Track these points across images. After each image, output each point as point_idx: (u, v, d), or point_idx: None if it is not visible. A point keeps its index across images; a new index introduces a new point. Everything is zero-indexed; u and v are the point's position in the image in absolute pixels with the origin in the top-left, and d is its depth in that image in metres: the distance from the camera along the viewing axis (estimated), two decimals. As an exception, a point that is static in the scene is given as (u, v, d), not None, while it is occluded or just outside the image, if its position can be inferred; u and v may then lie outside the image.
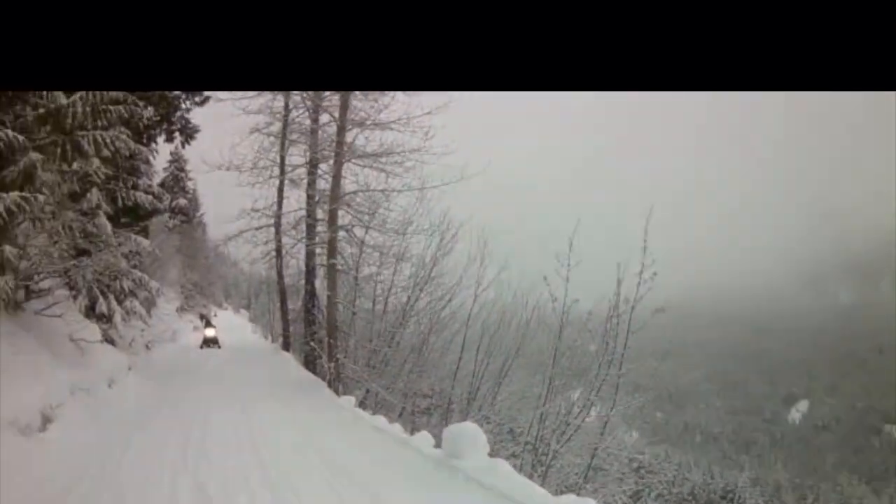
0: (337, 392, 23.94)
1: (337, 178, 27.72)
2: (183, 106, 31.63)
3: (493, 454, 12.11)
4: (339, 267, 27.71)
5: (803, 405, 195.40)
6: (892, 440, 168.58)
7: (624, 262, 17.98)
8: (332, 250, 27.42)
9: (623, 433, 27.50)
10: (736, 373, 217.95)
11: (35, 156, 14.84)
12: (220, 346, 42.38)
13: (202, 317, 66.97)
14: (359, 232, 28.39)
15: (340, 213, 27.94)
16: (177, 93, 30.57)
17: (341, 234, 28.10)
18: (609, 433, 20.66)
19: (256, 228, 32.80)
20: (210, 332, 43.76)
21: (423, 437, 14.23)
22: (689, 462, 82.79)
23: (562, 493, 11.60)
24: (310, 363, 30.19)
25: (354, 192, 28.33)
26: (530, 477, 17.11)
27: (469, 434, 11.84)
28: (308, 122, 30.72)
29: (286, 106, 31.93)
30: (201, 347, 41.81)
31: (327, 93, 28.86)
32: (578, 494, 12.19)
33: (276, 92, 30.26)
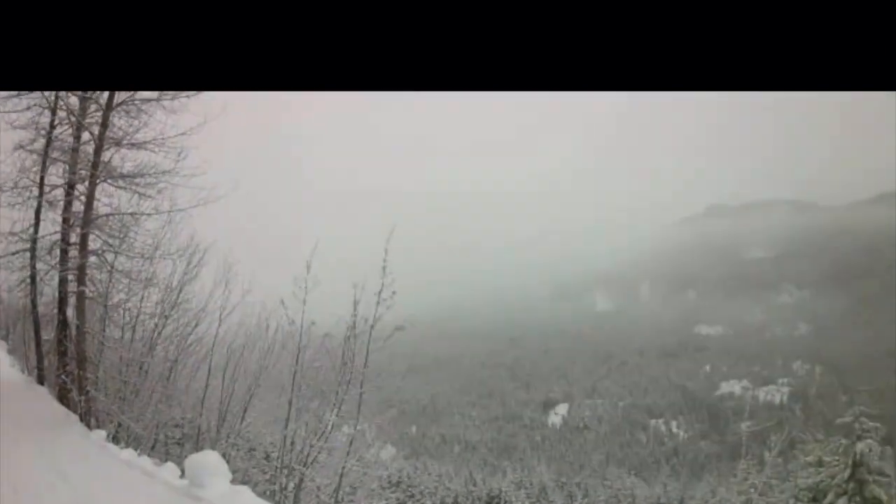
0: (89, 426, 23.46)
1: (90, 199, 26.92)
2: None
3: (247, 480, 12.36)
4: (90, 294, 27.04)
5: (562, 408, 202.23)
6: (659, 432, 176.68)
7: (362, 283, 18.25)
8: (83, 276, 26.71)
9: (379, 449, 27.83)
10: (491, 383, 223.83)
11: None
12: None
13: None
14: (110, 257, 27.80)
15: (92, 237, 27.29)
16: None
17: (92, 259, 27.42)
18: (364, 450, 20.97)
19: (13, 253, 31.56)
20: None
21: (169, 469, 14.34)
22: (450, 472, 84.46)
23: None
24: (63, 397, 29.31)
25: (107, 216, 27.69)
26: (281, 501, 17.38)
27: (210, 463, 12.07)
28: (71, 139, 29.77)
29: (52, 123, 30.82)
30: None
31: (93, 107, 28.01)
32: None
33: (43, 108, 29.08)
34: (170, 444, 25.81)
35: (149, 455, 18.37)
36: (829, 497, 27.20)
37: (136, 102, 25.94)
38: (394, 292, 17.46)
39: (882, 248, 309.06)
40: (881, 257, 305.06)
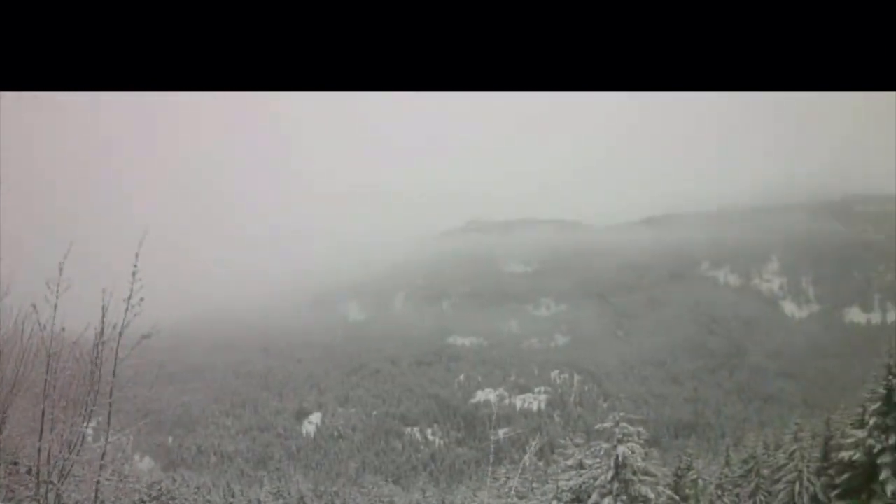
0: None
1: None
2: None
3: (11, 496, 11.67)
4: None
5: (316, 417, 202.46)
6: (415, 440, 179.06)
7: (111, 289, 17.31)
8: None
9: (137, 461, 26.60)
10: (245, 392, 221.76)
11: None
12: None
13: None
14: None
15: None
16: None
17: None
18: (122, 463, 20.04)
19: None
20: None
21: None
22: (208, 484, 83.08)
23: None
24: None
25: None
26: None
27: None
28: None
29: None
30: None
31: None
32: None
33: None
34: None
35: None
36: (594, 497, 27.86)
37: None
38: (142, 299, 16.73)
39: (646, 266, 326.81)
40: (644, 274, 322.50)
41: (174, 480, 68.69)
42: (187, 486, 68.61)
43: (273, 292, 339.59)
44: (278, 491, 77.76)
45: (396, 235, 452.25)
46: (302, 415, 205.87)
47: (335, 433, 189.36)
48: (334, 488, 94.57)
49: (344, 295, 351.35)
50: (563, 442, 38.01)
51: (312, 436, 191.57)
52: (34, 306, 18.01)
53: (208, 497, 69.09)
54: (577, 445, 34.91)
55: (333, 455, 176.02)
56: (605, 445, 29.11)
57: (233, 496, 72.95)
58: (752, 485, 47.83)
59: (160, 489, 53.91)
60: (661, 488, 29.86)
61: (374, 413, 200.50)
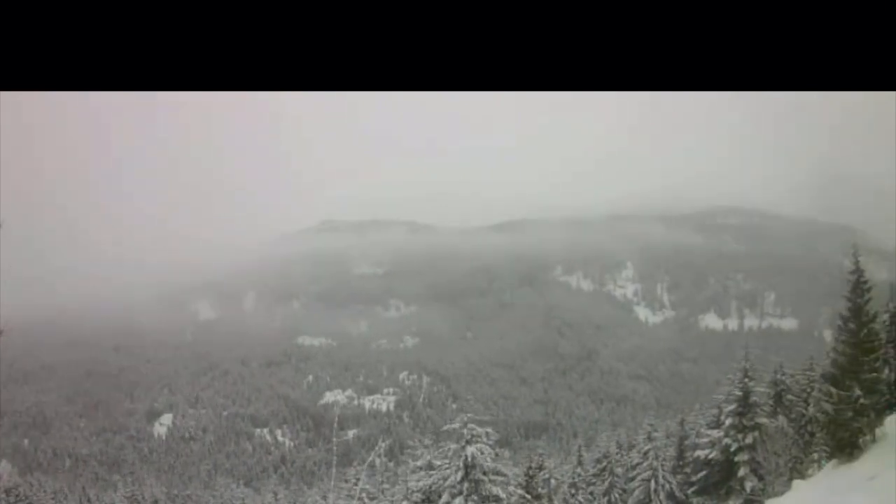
0: None
1: None
2: None
3: None
4: None
5: (167, 419, 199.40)
6: (265, 441, 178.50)
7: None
8: None
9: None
10: (97, 392, 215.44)
11: None
12: None
13: None
14: None
15: None
16: None
17: None
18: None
19: None
20: None
21: None
22: (65, 488, 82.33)
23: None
24: None
25: None
26: None
27: None
28: None
29: None
30: None
31: None
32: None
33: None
34: None
35: None
36: (445, 497, 28.97)
37: None
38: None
39: (497, 270, 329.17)
40: (496, 278, 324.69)
41: (31, 485, 68.35)
42: (44, 490, 68.23)
43: (120, 289, 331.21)
44: (132, 495, 77.26)
45: (247, 233, 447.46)
46: (153, 416, 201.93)
47: (186, 434, 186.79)
48: (187, 491, 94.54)
49: (193, 293, 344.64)
50: (412, 443, 38.80)
51: (164, 437, 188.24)
52: None
53: (65, 502, 68.80)
54: (426, 446, 35.64)
55: (185, 457, 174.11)
56: (453, 446, 29.86)
57: (88, 501, 72.70)
58: (607, 483, 49.78)
59: (18, 495, 53.83)
60: (512, 488, 31.07)
61: (225, 414, 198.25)
